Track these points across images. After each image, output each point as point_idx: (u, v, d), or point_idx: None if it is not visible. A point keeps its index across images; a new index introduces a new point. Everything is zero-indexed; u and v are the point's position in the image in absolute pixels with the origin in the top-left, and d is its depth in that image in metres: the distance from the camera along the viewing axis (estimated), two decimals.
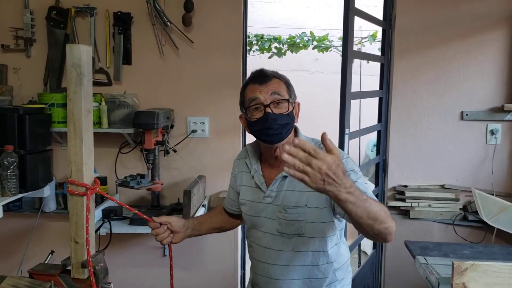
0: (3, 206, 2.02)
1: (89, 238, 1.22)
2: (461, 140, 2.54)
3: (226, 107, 2.47)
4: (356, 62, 4.26)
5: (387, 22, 2.55)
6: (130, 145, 2.47)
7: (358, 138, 4.13)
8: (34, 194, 2.26)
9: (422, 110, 2.54)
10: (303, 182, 0.95)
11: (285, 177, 1.38)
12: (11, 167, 1.97)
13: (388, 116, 2.59)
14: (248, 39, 2.92)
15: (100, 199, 2.33)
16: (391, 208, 2.55)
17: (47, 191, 2.30)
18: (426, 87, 2.53)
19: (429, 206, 2.52)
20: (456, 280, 1.40)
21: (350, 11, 2.09)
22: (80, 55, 1.17)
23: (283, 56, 4.27)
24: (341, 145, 2.14)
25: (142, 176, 2.25)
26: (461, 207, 2.54)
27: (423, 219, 2.55)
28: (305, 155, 0.93)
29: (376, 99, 2.65)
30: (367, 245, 3.83)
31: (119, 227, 2.19)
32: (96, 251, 1.28)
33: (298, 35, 4.21)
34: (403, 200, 2.54)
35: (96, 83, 2.45)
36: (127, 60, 2.48)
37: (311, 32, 4.26)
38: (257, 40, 4.19)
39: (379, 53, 2.85)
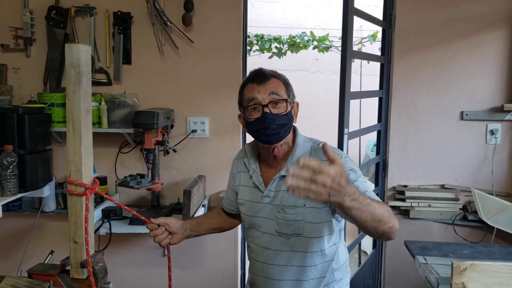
0: (3, 206, 2.02)
1: (88, 238, 1.22)
2: (461, 140, 2.54)
3: (226, 107, 2.47)
4: (356, 62, 4.26)
5: (387, 22, 2.55)
6: (130, 145, 2.48)
7: (358, 138, 4.13)
8: (34, 194, 2.26)
9: (422, 110, 2.54)
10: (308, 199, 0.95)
11: (283, 176, 1.37)
12: (11, 166, 1.97)
13: (388, 116, 2.59)
14: (248, 39, 2.92)
15: (100, 199, 2.33)
16: (391, 208, 2.54)
17: (47, 191, 2.30)
18: (426, 87, 2.53)
19: (429, 206, 2.52)
20: (456, 280, 1.40)
21: (349, 11, 2.09)
22: (79, 54, 1.17)
23: (283, 56, 4.27)
24: (340, 145, 2.14)
25: (142, 176, 2.25)
26: (461, 207, 2.54)
27: (423, 219, 2.55)
28: (310, 173, 0.93)
29: (377, 99, 2.65)
30: (367, 244, 3.83)
31: (119, 227, 2.19)
32: (95, 251, 1.28)
33: (299, 35, 4.21)
34: (403, 200, 2.54)
35: (96, 83, 2.45)
36: (127, 59, 2.48)
37: (311, 32, 4.26)
38: (257, 40, 4.19)
39: (379, 53, 2.84)
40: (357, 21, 2.23)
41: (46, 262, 1.47)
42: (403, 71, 2.53)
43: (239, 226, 2.22)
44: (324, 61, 4.86)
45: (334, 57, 4.43)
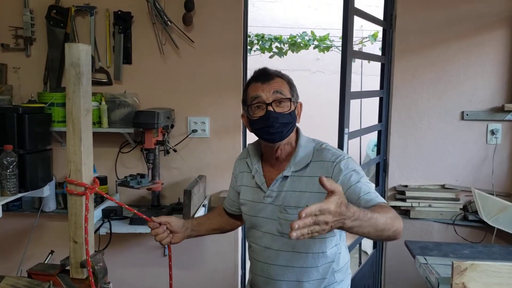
0: (3, 205, 2.02)
1: (88, 238, 1.22)
2: (461, 140, 2.54)
3: (227, 106, 2.47)
4: (357, 62, 4.27)
5: (388, 22, 2.55)
6: (130, 144, 2.47)
7: (358, 138, 4.13)
8: (34, 194, 2.25)
9: (422, 110, 2.54)
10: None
11: (286, 177, 1.38)
12: (11, 166, 1.97)
13: (388, 116, 2.59)
14: (249, 39, 2.92)
15: (100, 199, 2.33)
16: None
17: (47, 191, 2.30)
18: (427, 87, 2.52)
19: (429, 206, 2.52)
20: (456, 280, 1.40)
21: (349, 11, 2.09)
22: (79, 54, 1.16)
23: (284, 55, 4.27)
24: (341, 145, 2.14)
25: (142, 176, 2.25)
26: (461, 207, 2.53)
27: (423, 219, 2.54)
28: (312, 219, 0.93)
29: (377, 99, 2.64)
30: (367, 245, 3.83)
31: (119, 227, 2.19)
32: (95, 251, 1.28)
33: (299, 34, 4.22)
34: (404, 200, 2.54)
35: (96, 83, 2.45)
36: (127, 59, 2.48)
37: (312, 32, 4.26)
38: (258, 40, 4.19)
39: (379, 53, 2.84)
40: (358, 21, 2.23)
41: (46, 262, 1.47)
42: (404, 71, 2.53)
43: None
44: (325, 61, 4.87)
45: (334, 57, 4.44)
